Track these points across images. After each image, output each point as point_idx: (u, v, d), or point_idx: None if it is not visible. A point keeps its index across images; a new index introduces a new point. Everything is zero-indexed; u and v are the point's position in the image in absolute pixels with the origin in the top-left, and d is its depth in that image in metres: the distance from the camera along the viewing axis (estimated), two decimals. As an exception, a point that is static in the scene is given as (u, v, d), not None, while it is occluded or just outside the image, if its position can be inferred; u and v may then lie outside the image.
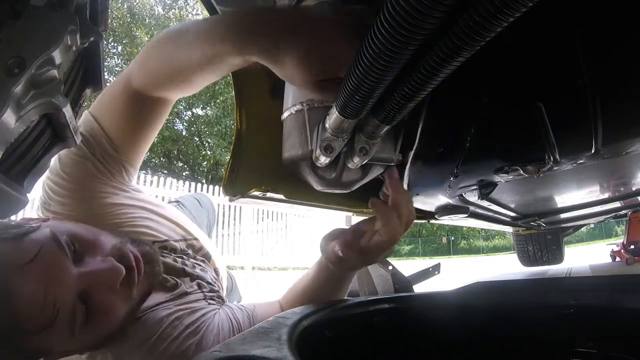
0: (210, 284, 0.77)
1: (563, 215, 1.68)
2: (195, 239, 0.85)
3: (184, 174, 17.25)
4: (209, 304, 0.72)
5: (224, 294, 0.86)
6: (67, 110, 0.34)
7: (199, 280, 0.74)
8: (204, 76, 0.54)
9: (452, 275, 4.05)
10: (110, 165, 0.70)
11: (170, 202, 1.67)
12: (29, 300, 0.47)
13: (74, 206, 0.67)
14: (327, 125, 0.45)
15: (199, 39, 0.47)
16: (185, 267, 0.74)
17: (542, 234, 2.77)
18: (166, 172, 16.36)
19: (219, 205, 7.10)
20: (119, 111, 0.67)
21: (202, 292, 0.73)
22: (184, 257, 0.78)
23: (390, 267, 0.99)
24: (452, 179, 0.74)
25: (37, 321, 0.47)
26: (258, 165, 0.72)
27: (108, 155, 0.69)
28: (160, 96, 0.65)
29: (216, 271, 0.87)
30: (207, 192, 7.07)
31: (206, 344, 0.62)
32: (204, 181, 10.84)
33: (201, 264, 0.82)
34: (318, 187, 0.57)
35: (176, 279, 0.71)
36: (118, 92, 0.66)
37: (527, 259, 2.98)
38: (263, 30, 0.41)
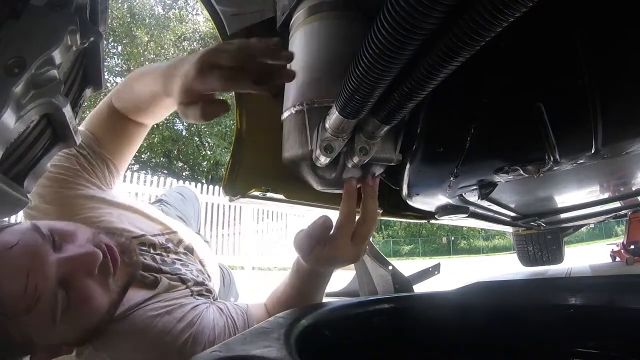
0: (194, 277, 0.76)
1: (563, 215, 1.68)
2: (174, 232, 0.86)
3: (184, 174, 17.25)
4: (197, 299, 0.71)
5: (213, 284, 0.85)
6: (67, 110, 0.34)
7: (181, 276, 0.74)
8: (157, 109, 0.71)
9: (452, 275, 4.05)
10: (95, 161, 0.76)
11: (153, 202, 1.65)
12: (11, 283, 0.48)
13: (51, 197, 0.71)
14: (327, 125, 0.45)
15: (148, 80, 0.62)
16: (162, 266, 0.74)
17: (542, 234, 2.76)
18: (166, 172, 16.36)
19: (219, 205, 7.11)
20: (103, 119, 0.78)
21: (187, 286, 0.72)
22: (164, 253, 0.78)
23: (390, 267, 0.99)
24: (452, 179, 0.74)
25: (20, 304, 0.48)
26: (258, 165, 0.72)
27: (94, 153, 0.76)
28: (134, 119, 0.77)
29: (201, 262, 0.87)
30: (207, 192, 7.08)
31: (202, 337, 0.62)
32: (204, 181, 10.84)
33: (182, 257, 0.81)
34: (318, 187, 0.57)
35: (155, 274, 0.70)
36: (104, 105, 0.78)
37: (527, 259, 2.97)
38: (171, 75, 0.53)
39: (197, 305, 0.67)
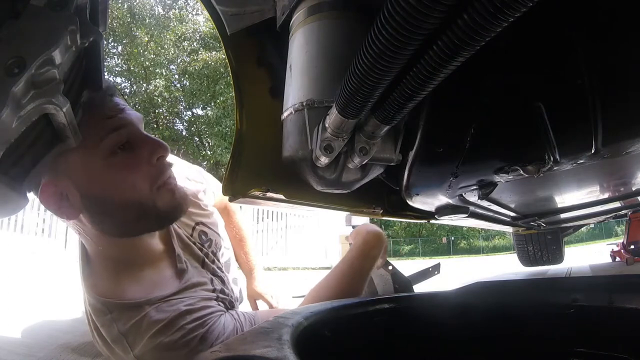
0: (223, 283, 0.79)
1: (563, 215, 1.68)
2: (227, 247, 0.91)
3: (184, 174, 17.16)
4: (218, 304, 0.73)
5: (235, 300, 0.87)
6: (67, 110, 0.34)
7: (213, 277, 0.77)
8: None
9: (452, 275, 4.05)
10: None
11: None
12: None
13: None
14: (327, 125, 0.45)
15: None
16: (206, 259, 0.78)
17: (542, 234, 2.76)
18: (166, 172, 16.28)
19: (219, 205, 7.08)
20: None
21: (214, 288, 0.75)
22: (214, 255, 0.83)
23: (390, 267, 0.99)
24: (452, 179, 0.74)
25: None
26: (258, 165, 0.72)
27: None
28: None
29: (234, 280, 0.91)
30: (207, 192, 7.05)
31: (210, 339, 0.64)
32: (204, 181, 10.81)
33: (223, 268, 0.85)
34: (318, 187, 0.57)
35: (187, 264, 0.73)
36: None
37: (527, 259, 2.97)
38: None
39: (215, 311, 0.69)
